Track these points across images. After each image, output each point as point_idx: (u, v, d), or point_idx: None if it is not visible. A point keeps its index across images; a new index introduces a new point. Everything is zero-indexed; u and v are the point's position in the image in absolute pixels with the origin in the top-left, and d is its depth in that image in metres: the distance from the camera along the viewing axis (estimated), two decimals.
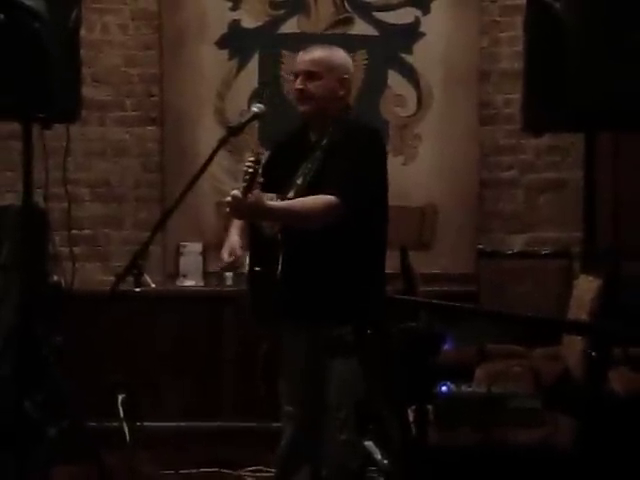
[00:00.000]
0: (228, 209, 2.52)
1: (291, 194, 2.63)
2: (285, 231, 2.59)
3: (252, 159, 2.48)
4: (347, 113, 2.74)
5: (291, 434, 2.77)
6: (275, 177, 2.65)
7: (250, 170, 2.46)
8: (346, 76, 2.70)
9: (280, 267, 2.56)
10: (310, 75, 2.66)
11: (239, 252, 2.73)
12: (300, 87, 2.66)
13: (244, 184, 2.47)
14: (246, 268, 2.75)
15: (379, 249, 2.73)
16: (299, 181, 2.65)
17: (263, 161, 2.55)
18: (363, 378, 2.67)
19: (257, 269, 2.68)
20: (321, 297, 2.63)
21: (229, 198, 2.49)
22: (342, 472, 2.67)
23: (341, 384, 2.64)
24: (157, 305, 4.34)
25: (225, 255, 2.74)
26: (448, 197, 4.58)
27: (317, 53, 2.69)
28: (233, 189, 2.50)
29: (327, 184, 2.56)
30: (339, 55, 2.73)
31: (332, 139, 2.65)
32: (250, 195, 2.46)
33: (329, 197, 2.53)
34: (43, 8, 2.80)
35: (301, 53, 2.74)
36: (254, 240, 2.71)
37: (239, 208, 2.48)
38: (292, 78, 2.79)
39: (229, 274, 4.36)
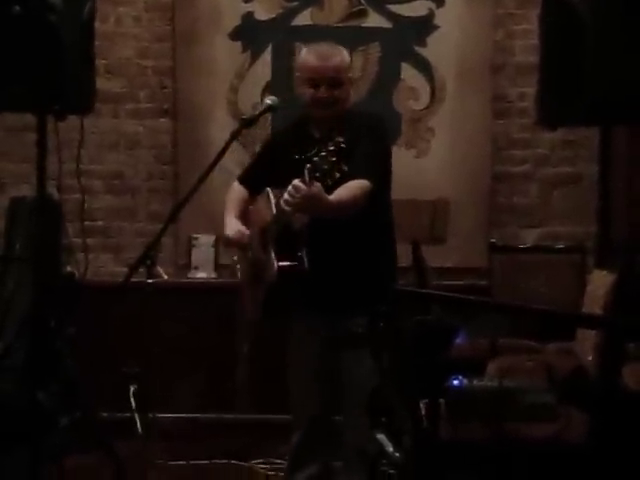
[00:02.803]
0: (289, 201, 2.37)
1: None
2: (311, 223, 2.58)
3: (332, 148, 2.33)
4: (352, 108, 2.78)
5: (303, 432, 2.80)
6: (273, 172, 2.64)
7: (332, 159, 2.31)
8: (351, 75, 2.76)
9: (307, 260, 2.54)
10: (335, 82, 2.65)
11: (244, 230, 2.72)
12: (325, 95, 2.64)
13: (316, 173, 2.30)
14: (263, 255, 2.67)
15: (393, 230, 2.78)
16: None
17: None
18: (375, 370, 2.67)
19: (283, 264, 2.58)
20: (351, 286, 2.65)
21: (291, 189, 2.35)
22: (362, 457, 2.66)
23: (364, 369, 2.64)
24: (169, 297, 4.34)
25: (230, 232, 2.74)
26: (461, 191, 4.56)
27: (337, 59, 2.68)
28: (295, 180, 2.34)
29: (354, 171, 2.55)
30: (347, 55, 2.75)
31: (349, 135, 2.59)
32: (313, 187, 2.33)
33: (362, 181, 2.56)
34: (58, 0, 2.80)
35: (315, 59, 2.66)
36: (281, 235, 2.62)
37: (302, 200, 2.34)
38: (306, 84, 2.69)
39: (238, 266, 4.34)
